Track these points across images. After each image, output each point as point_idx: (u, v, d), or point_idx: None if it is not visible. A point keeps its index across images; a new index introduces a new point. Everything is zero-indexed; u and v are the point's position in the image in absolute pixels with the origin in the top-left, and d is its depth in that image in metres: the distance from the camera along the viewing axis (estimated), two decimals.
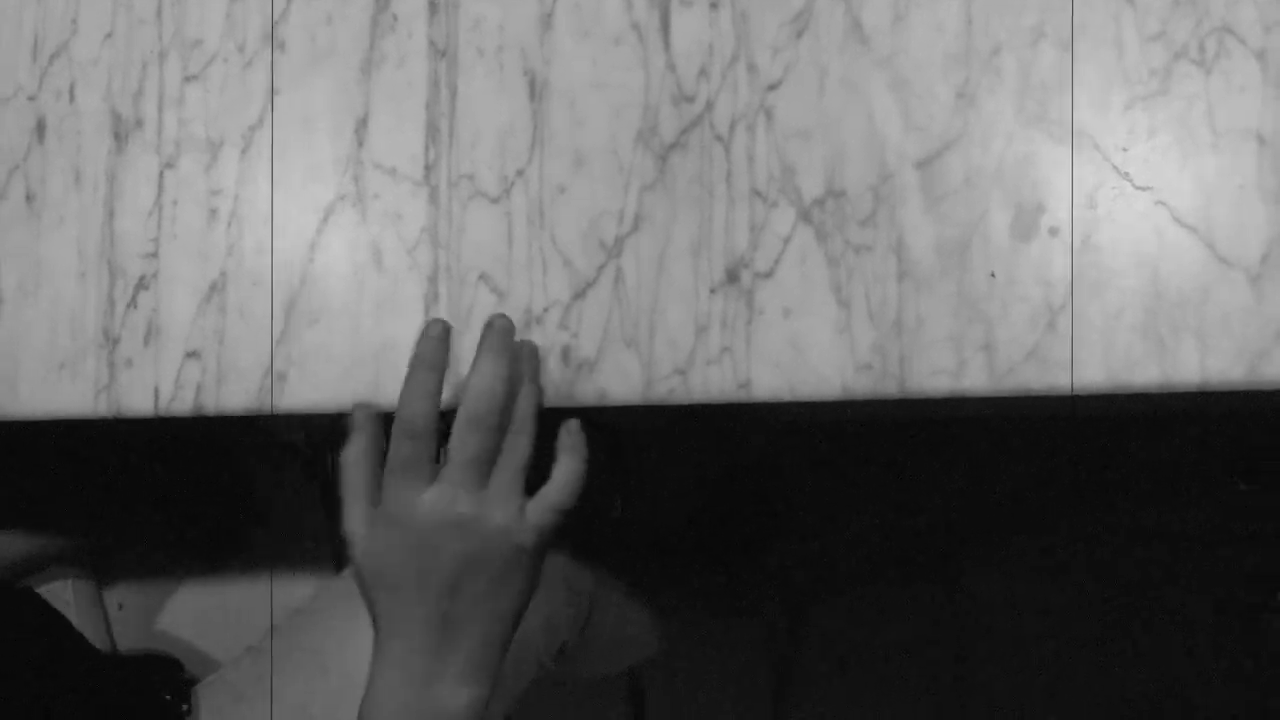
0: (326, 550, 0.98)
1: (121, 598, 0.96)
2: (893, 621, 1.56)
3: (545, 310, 0.66)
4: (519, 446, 0.62)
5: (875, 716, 1.56)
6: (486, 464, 0.61)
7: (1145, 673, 1.51)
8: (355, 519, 0.62)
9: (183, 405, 0.69)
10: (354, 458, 0.62)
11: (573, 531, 0.89)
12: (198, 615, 0.97)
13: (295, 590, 0.97)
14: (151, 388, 0.69)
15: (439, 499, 0.61)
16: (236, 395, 0.69)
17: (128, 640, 0.96)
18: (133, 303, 0.70)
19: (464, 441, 0.61)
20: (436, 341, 0.61)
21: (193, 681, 0.87)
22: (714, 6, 0.66)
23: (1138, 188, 0.61)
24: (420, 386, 0.60)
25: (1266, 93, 0.60)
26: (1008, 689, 1.54)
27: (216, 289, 0.69)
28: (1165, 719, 1.50)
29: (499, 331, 0.61)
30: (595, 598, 0.91)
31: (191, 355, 0.69)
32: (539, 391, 0.63)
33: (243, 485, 1.01)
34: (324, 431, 1.08)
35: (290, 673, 0.83)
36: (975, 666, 1.54)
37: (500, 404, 0.61)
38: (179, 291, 0.70)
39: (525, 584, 0.63)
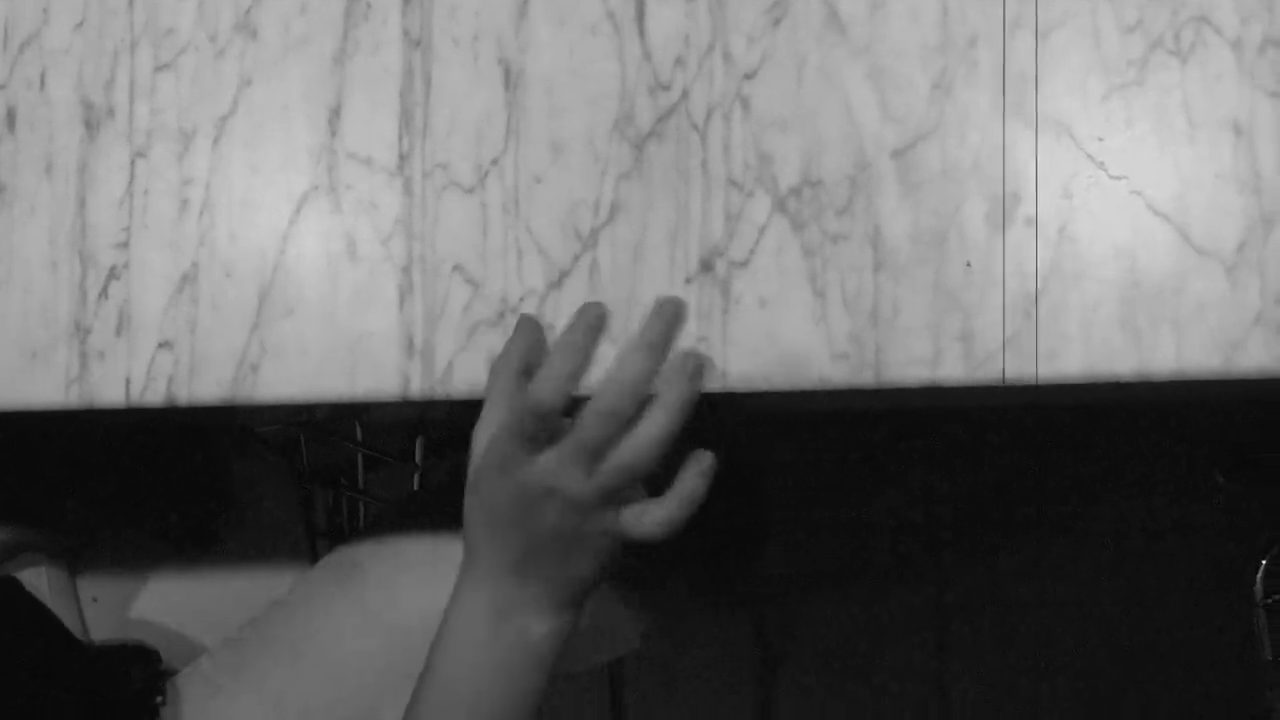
0: (303, 541, 0.98)
1: (96, 590, 0.96)
2: (875, 616, 1.56)
3: (521, 300, 0.66)
4: (644, 462, 0.60)
5: (857, 710, 1.56)
6: (604, 451, 0.59)
7: (1126, 665, 1.51)
8: (486, 430, 0.62)
9: (155, 396, 0.68)
10: (502, 365, 0.62)
11: None
12: (174, 607, 0.97)
13: (272, 582, 0.97)
14: (123, 378, 0.69)
15: (547, 472, 0.60)
16: (209, 386, 0.68)
17: (102, 633, 0.95)
18: (104, 293, 0.69)
19: (588, 426, 0.59)
20: (588, 330, 0.58)
21: (170, 673, 0.87)
22: None
23: (1113, 177, 0.60)
24: (559, 370, 0.58)
25: (1242, 82, 0.60)
26: (989, 683, 1.54)
27: (189, 279, 0.69)
28: (1146, 713, 1.50)
29: (663, 321, 0.58)
30: None
31: (164, 346, 0.69)
32: (687, 408, 0.60)
33: (218, 475, 1.01)
34: (299, 421, 1.08)
35: (267, 664, 0.82)
36: (956, 660, 1.55)
37: (637, 402, 0.59)
38: (151, 282, 0.69)
39: (612, 549, 0.63)
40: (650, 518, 0.62)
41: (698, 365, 0.60)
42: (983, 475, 1.56)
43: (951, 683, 1.54)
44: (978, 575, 1.55)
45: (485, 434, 0.62)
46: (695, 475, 0.61)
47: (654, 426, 0.60)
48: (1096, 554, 1.53)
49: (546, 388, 0.59)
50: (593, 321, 0.58)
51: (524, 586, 0.63)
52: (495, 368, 0.63)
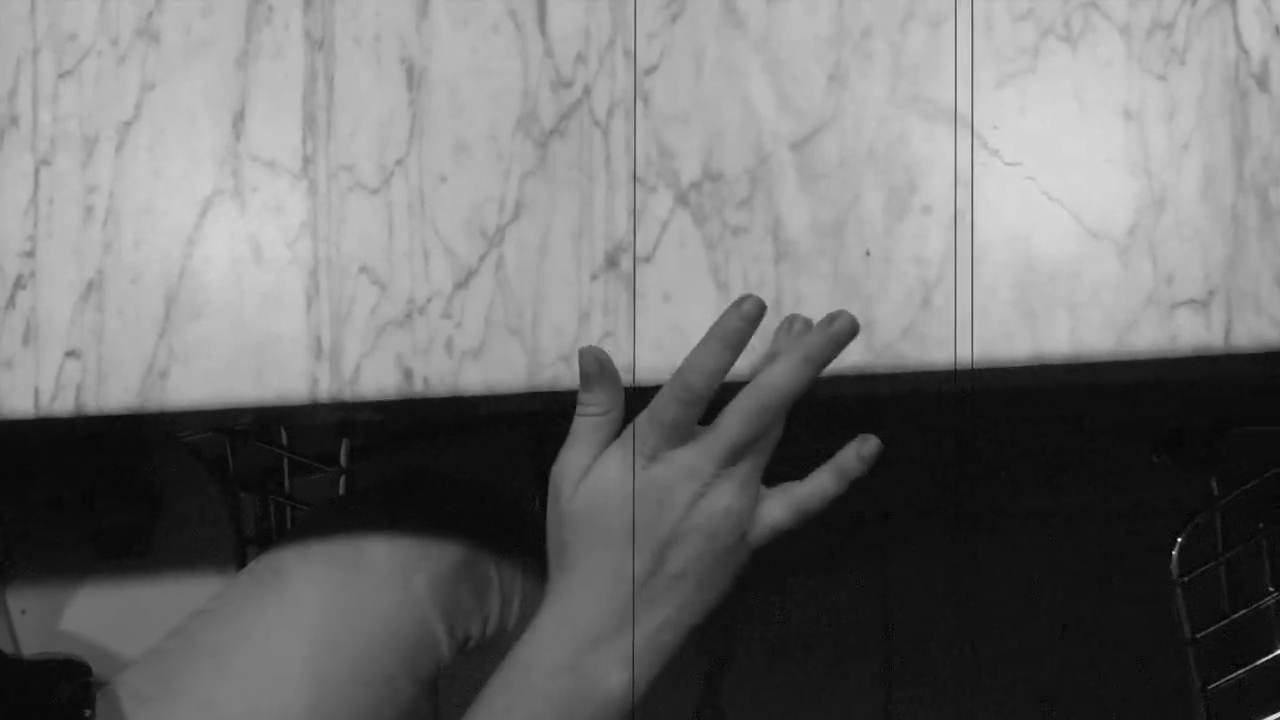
0: (232, 547, 0.98)
1: (25, 603, 0.95)
2: (822, 605, 1.57)
3: (428, 300, 0.66)
4: (772, 437, 0.61)
5: (806, 700, 1.57)
6: (743, 455, 0.60)
7: (1070, 648, 1.52)
8: (574, 463, 0.61)
9: (64, 405, 0.68)
10: (593, 409, 0.61)
11: (489, 527, 0.88)
12: (104, 618, 0.96)
13: (202, 589, 0.96)
14: (32, 388, 0.68)
15: (692, 464, 0.59)
16: (118, 394, 0.68)
17: (33, 646, 0.95)
18: (11, 303, 0.69)
19: (737, 427, 0.59)
20: (745, 323, 0.58)
21: (99, 684, 0.86)
22: None
23: (1008, 164, 0.61)
24: (714, 360, 0.58)
25: (1131, 67, 0.61)
26: (935, 672, 1.55)
27: (95, 287, 0.68)
28: (1087, 691, 1.52)
29: (823, 336, 0.58)
30: (505, 594, 0.91)
31: (71, 355, 0.68)
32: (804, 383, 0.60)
33: (146, 483, 1.00)
34: (219, 428, 1.07)
35: (194, 672, 0.82)
36: (903, 650, 1.56)
37: (786, 406, 0.59)
38: (57, 290, 0.69)
39: (726, 580, 0.62)
40: (807, 488, 0.61)
41: (849, 322, 0.58)
42: (928, 463, 1.57)
43: (899, 673, 1.55)
44: (924, 563, 1.56)
45: (574, 467, 0.61)
46: (855, 457, 0.61)
47: (787, 367, 0.59)
48: (1042, 539, 1.54)
49: (696, 378, 0.58)
50: (749, 314, 0.58)
51: (616, 626, 0.60)
52: (584, 409, 0.61)
